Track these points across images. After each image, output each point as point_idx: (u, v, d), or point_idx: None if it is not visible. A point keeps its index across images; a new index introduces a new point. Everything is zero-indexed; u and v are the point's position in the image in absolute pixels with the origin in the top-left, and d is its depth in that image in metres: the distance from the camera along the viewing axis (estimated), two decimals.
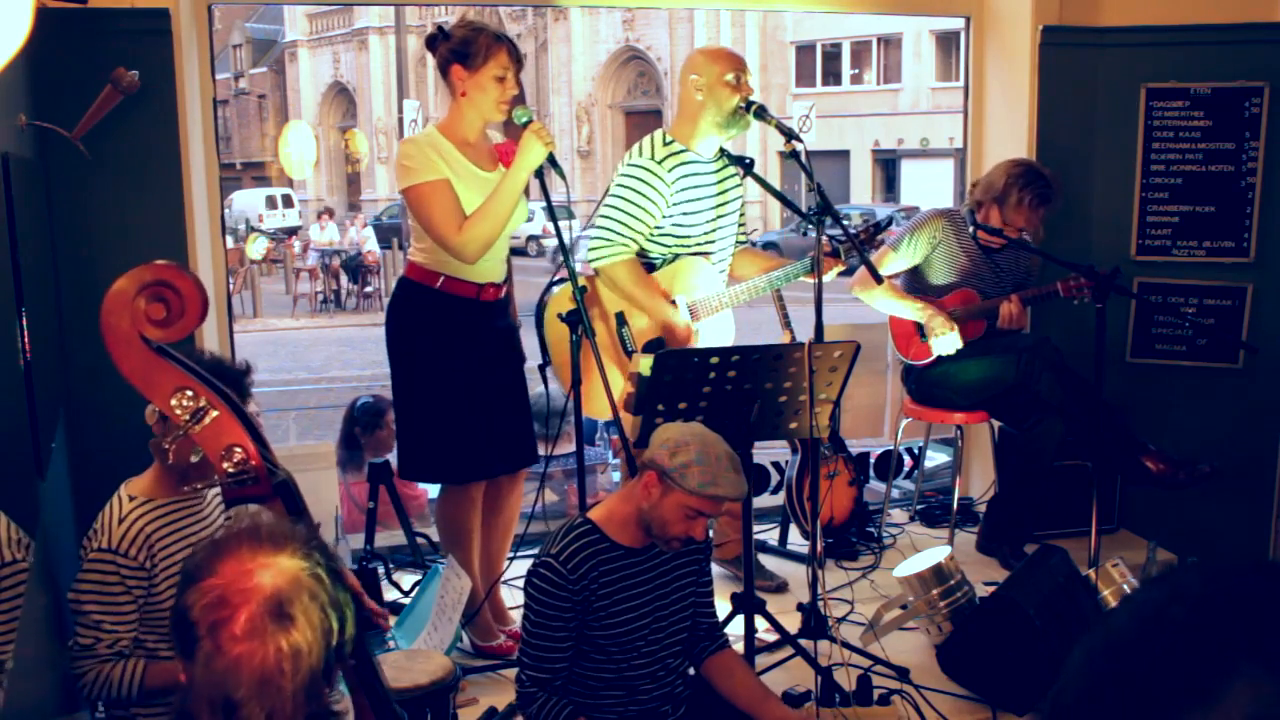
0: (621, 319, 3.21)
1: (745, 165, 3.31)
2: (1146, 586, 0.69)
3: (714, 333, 3.30)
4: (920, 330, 3.74)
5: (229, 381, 2.43)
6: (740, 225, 3.49)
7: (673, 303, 3.22)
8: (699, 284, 3.27)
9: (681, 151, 3.22)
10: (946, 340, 3.58)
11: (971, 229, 3.64)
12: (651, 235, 3.22)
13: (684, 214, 3.23)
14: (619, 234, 3.16)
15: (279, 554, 1.32)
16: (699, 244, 3.29)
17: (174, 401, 1.63)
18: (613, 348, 3.20)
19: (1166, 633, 0.63)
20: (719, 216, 3.32)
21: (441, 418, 2.98)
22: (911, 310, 3.66)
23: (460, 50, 2.90)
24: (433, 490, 4.21)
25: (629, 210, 3.16)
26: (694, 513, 2.29)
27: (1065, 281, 3.50)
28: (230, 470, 1.65)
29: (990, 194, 3.59)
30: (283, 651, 1.26)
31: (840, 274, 3.29)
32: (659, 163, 3.16)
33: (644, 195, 3.15)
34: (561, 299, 3.15)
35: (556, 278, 3.20)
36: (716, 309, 3.27)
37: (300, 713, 1.28)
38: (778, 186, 3.53)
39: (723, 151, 3.33)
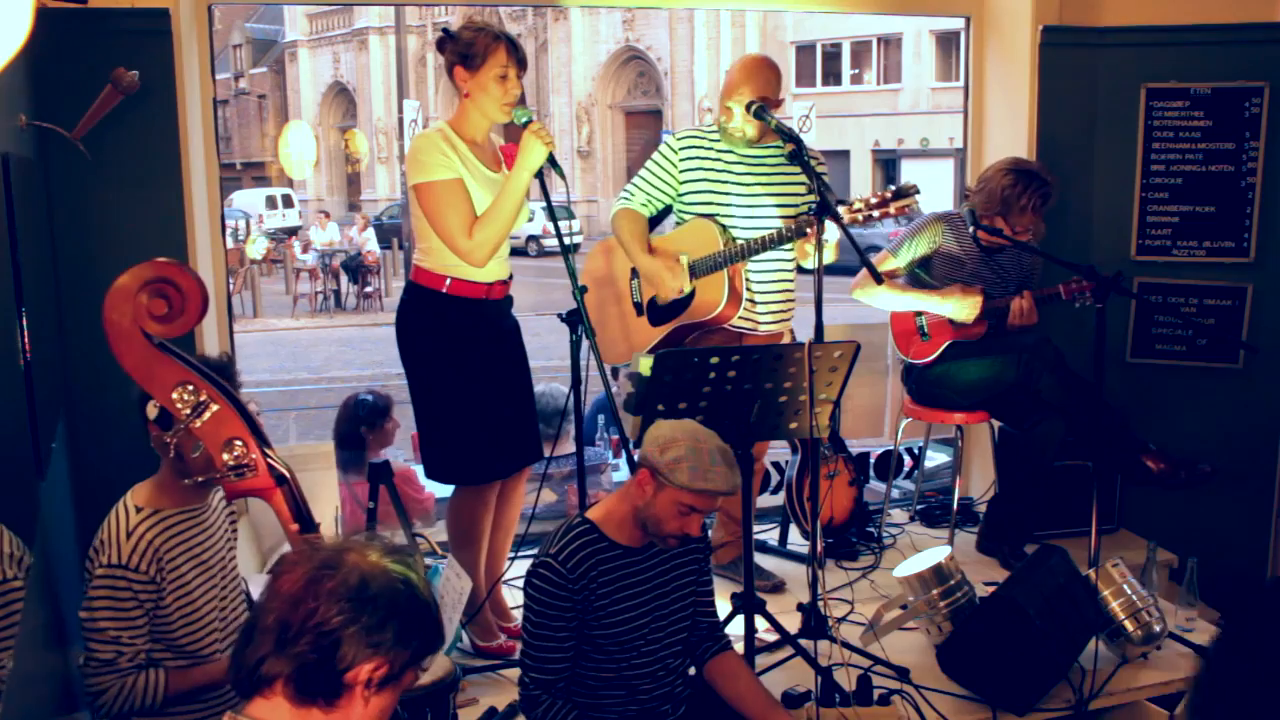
0: (635, 273, 3.47)
1: (796, 141, 3.08)
2: None
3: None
4: (921, 329, 3.74)
5: (218, 375, 2.44)
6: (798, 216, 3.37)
7: (676, 260, 3.36)
8: (701, 244, 3.33)
9: (712, 133, 3.40)
10: (961, 307, 3.59)
11: (972, 229, 3.64)
12: (677, 203, 3.46)
13: (702, 188, 3.37)
14: (631, 190, 3.49)
15: (388, 557, 1.47)
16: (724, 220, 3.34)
17: (175, 395, 1.65)
18: (629, 297, 3.54)
19: None
20: (751, 204, 3.34)
21: (461, 419, 2.98)
22: (917, 300, 3.66)
23: (462, 52, 2.90)
24: (439, 492, 4.20)
25: (643, 174, 3.49)
26: (688, 509, 2.29)
27: (1067, 284, 3.50)
28: (230, 463, 1.66)
29: (992, 207, 3.59)
30: (302, 584, 1.41)
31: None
32: (679, 138, 3.46)
33: (656, 164, 3.46)
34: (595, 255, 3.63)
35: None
36: (710, 270, 3.31)
37: (282, 647, 1.39)
38: None
39: (780, 133, 3.18)
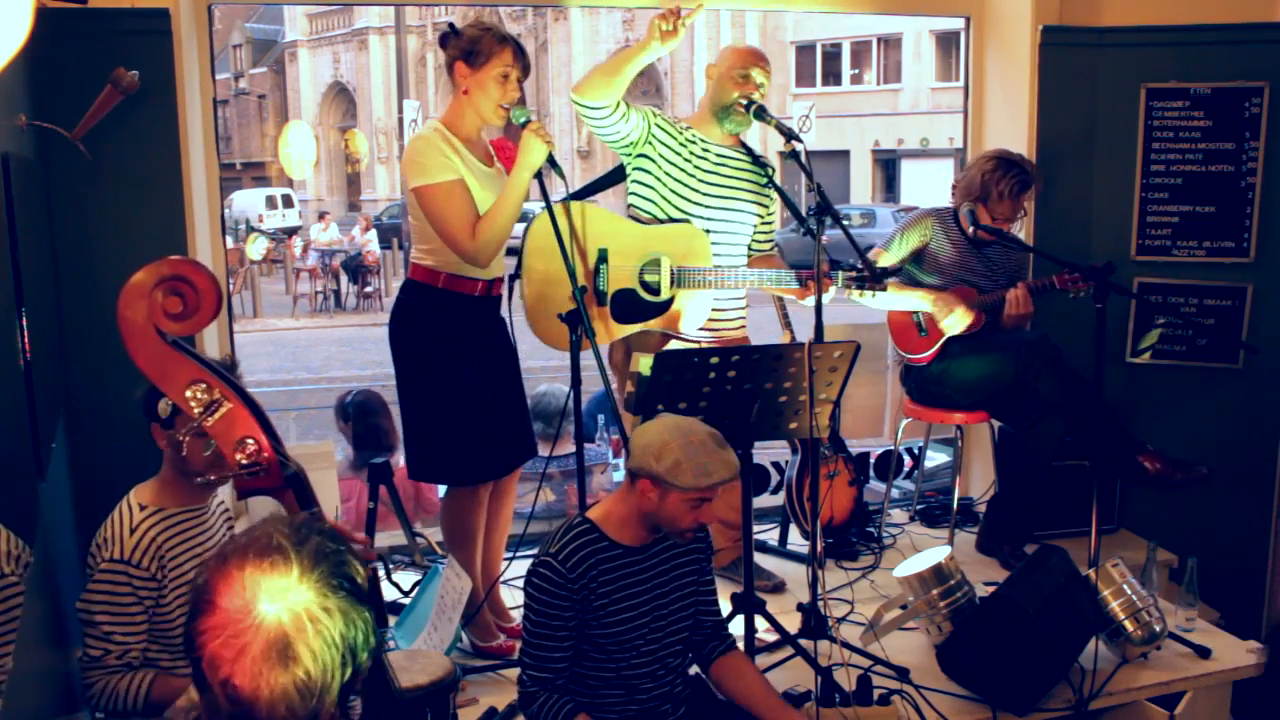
0: (603, 256, 3.17)
1: (767, 171, 3.36)
2: None
3: (694, 308, 3.29)
4: (919, 325, 3.75)
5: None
6: (763, 231, 3.46)
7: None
8: (691, 252, 3.24)
9: (685, 130, 3.31)
10: (954, 319, 3.62)
11: (973, 229, 3.65)
12: (635, 163, 3.29)
13: (676, 181, 3.25)
14: None
15: (285, 577, 1.24)
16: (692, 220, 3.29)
17: (188, 394, 1.65)
18: (588, 279, 3.15)
19: None
20: (713, 205, 3.29)
21: (453, 418, 2.97)
22: (914, 299, 3.68)
23: (466, 48, 2.90)
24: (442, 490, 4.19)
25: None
26: (698, 502, 2.30)
27: (1061, 275, 3.53)
28: (243, 462, 1.67)
29: (972, 193, 3.65)
30: (288, 688, 1.22)
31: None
32: (654, 114, 3.31)
33: (635, 109, 3.24)
34: (545, 227, 3.03)
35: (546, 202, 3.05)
36: (698, 285, 3.24)
37: None
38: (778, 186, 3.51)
39: (747, 149, 3.36)
